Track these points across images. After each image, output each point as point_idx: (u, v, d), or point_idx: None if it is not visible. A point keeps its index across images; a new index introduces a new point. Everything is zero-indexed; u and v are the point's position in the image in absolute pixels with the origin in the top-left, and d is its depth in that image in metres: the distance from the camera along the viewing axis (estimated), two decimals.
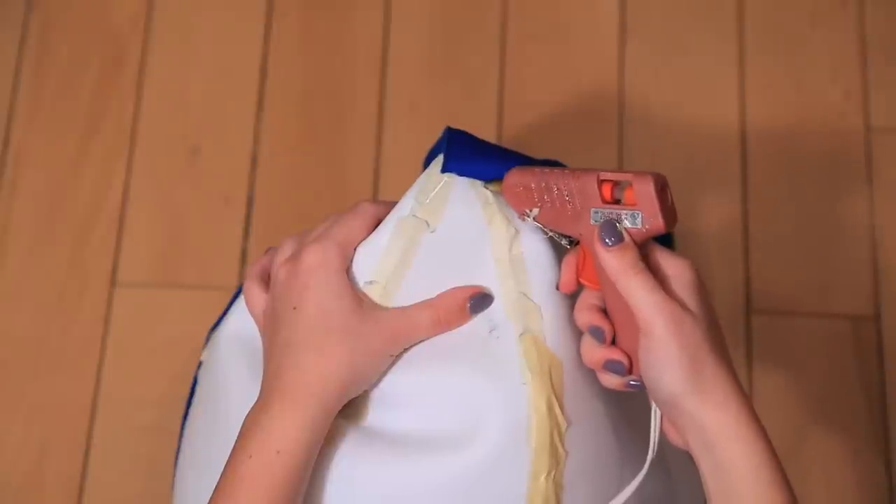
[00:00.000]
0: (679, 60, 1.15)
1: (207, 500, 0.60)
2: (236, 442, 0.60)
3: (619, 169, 0.58)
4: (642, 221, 0.58)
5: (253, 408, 0.61)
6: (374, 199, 0.67)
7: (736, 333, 1.06)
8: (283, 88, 1.15)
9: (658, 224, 0.58)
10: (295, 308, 0.63)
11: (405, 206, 0.65)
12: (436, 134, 0.71)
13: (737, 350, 1.06)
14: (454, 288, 0.64)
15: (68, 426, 1.05)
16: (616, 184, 0.59)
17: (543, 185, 0.61)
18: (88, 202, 1.12)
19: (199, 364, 0.79)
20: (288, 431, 0.59)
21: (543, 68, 1.15)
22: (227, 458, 0.60)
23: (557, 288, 0.63)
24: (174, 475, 0.80)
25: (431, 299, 0.64)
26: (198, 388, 0.78)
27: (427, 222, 0.64)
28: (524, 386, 0.61)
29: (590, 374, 0.64)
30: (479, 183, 0.64)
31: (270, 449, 0.59)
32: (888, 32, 1.15)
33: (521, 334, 0.62)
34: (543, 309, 0.63)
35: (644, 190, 0.57)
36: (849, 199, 1.11)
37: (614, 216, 0.59)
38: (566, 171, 0.61)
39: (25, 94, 1.15)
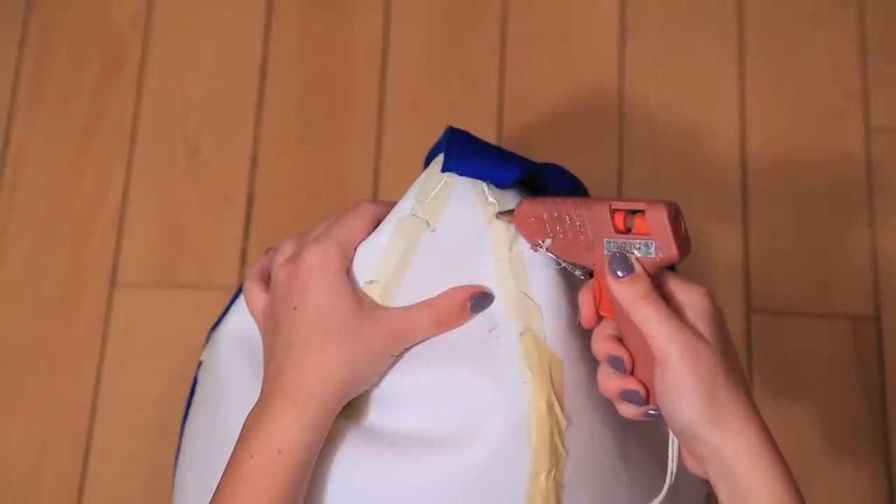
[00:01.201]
0: (679, 60, 1.15)
1: (208, 500, 0.60)
2: (237, 442, 0.60)
3: (632, 198, 0.58)
4: (656, 251, 0.58)
5: (254, 408, 0.61)
6: (374, 200, 0.67)
7: (736, 333, 1.06)
8: (283, 88, 1.15)
9: (672, 253, 0.57)
10: (295, 308, 0.63)
11: (405, 205, 0.65)
12: (436, 134, 0.71)
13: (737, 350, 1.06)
14: (454, 287, 0.64)
15: (68, 426, 1.05)
16: (629, 213, 0.59)
17: (556, 215, 0.61)
18: (88, 202, 1.12)
19: (199, 364, 0.79)
20: (289, 432, 0.59)
21: (543, 68, 1.15)
22: (227, 458, 0.60)
23: (580, 325, 0.62)
24: (174, 475, 0.80)
25: (432, 299, 0.64)
26: (198, 388, 0.78)
27: (427, 222, 0.64)
28: (524, 385, 0.61)
29: (590, 373, 0.64)
30: (479, 183, 0.64)
31: (272, 449, 0.59)
32: (888, 32, 1.15)
33: (522, 333, 0.62)
34: (543, 308, 0.63)
35: (657, 219, 0.57)
36: (849, 199, 1.10)
37: (626, 246, 0.58)
38: (578, 201, 0.61)
39: (25, 94, 1.15)
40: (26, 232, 1.11)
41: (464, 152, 0.64)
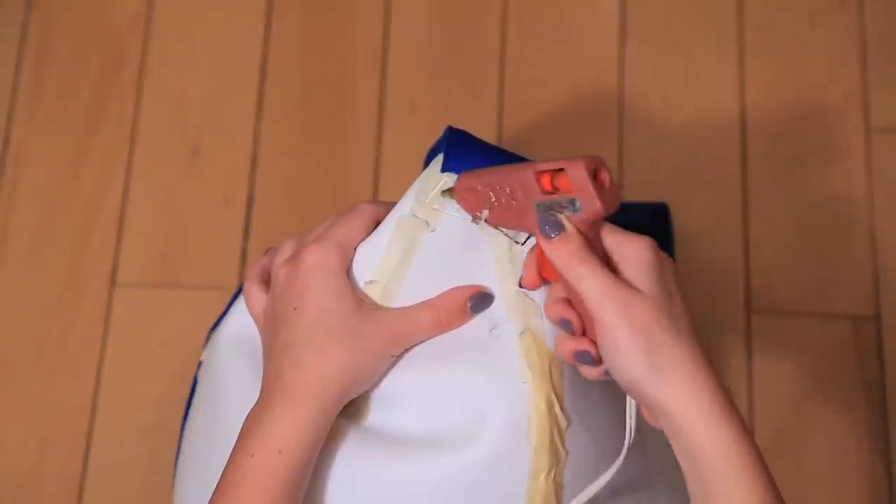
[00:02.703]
0: (679, 60, 1.15)
1: (208, 500, 0.60)
2: (237, 442, 0.60)
3: (556, 159, 0.57)
4: (581, 208, 0.56)
5: (254, 408, 0.61)
6: (373, 200, 0.67)
7: (736, 333, 1.06)
8: (283, 88, 1.15)
9: (596, 208, 0.56)
10: (295, 309, 0.63)
11: (405, 205, 0.65)
12: (436, 134, 0.71)
13: (737, 350, 1.06)
14: (455, 288, 0.64)
15: (68, 426, 1.05)
16: (554, 173, 0.57)
17: (489, 184, 0.60)
18: (88, 202, 1.12)
19: (199, 364, 0.79)
20: (289, 431, 0.59)
21: (543, 68, 1.15)
22: (227, 458, 0.60)
23: (520, 285, 0.62)
24: (174, 475, 0.80)
25: (432, 299, 0.64)
26: (198, 389, 0.78)
27: (427, 222, 0.64)
28: (524, 385, 0.61)
29: None
30: None
31: (272, 448, 0.59)
32: (888, 32, 1.15)
33: (522, 333, 0.62)
34: (543, 307, 0.63)
35: (577, 175, 0.56)
36: (849, 199, 1.10)
37: (554, 206, 0.57)
38: (507, 168, 0.60)
39: (25, 94, 1.15)
40: (26, 232, 1.11)
41: (463, 152, 0.64)
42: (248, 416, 0.61)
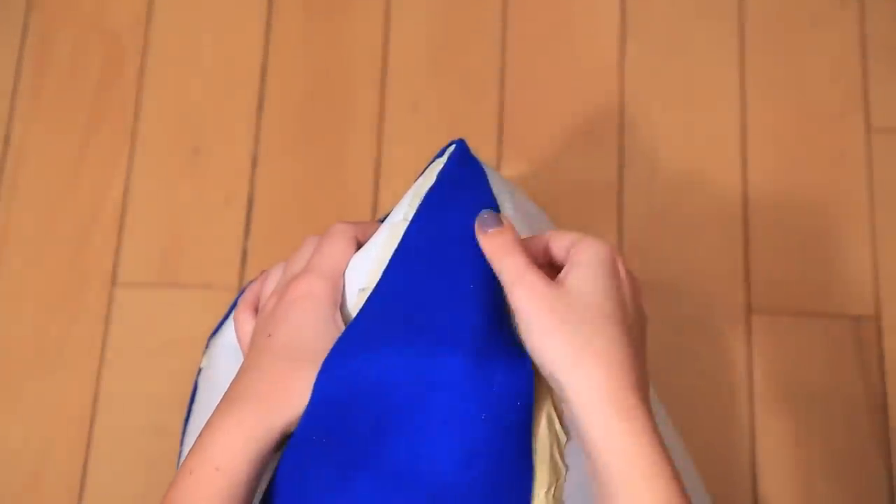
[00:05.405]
0: (679, 61, 1.15)
1: None
2: (186, 456, 0.57)
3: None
4: None
5: (205, 423, 0.58)
6: (346, 221, 0.65)
7: (736, 333, 1.06)
8: (283, 88, 1.15)
9: None
10: (269, 335, 0.60)
11: (399, 211, 0.64)
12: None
13: (737, 350, 1.06)
14: None
15: (68, 426, 1.05)
16: None
17: None
18: (89, 202, 1.12)
19: (199, 370, 0.79)
20: (230, 450, 0.56)
21: (544, 68, 1.15)
22: None
23: None
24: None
25: None
26: (198, 395, 0.78)
27: None
28: None
29: None
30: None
31: (210, 465, 0.56)
32: (888, 32, 1.15)
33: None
34: None
35: None
36: (849, 199, 1.11)
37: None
38: None
39: (26, 94, 1.15)
40: (27, 232, 1.11)
41: (463, 171, 0.63)
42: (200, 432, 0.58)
